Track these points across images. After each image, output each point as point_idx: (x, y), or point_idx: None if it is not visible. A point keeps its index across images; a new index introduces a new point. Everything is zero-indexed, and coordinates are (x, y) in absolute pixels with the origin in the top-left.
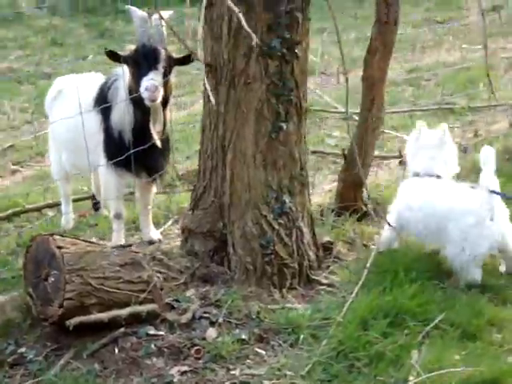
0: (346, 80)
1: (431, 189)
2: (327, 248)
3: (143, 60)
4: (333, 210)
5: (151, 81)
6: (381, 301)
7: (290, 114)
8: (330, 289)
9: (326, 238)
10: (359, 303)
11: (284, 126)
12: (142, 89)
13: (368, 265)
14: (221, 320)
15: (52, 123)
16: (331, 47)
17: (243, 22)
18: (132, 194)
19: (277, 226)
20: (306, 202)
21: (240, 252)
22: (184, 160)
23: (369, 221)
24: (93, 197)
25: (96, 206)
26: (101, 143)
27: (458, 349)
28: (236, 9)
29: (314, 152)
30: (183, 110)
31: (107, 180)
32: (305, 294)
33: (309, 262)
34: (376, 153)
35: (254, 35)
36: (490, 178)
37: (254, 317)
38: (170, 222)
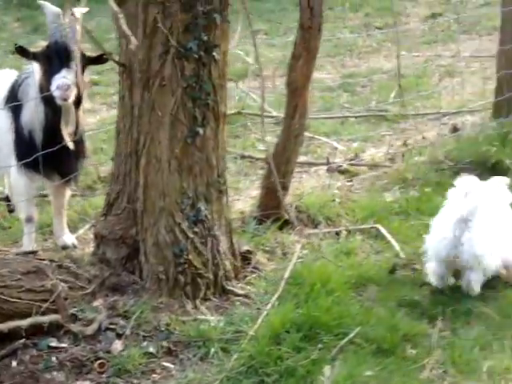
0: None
1: None
2: (246, 257)
3: (55, 57)
4: (255, 218)
5: (63, 79)
6: (295, 314)
7: (207, 118)
8: (245, 300)
9: (245, 247)
10: (273, 316)
11: (201, 130)
12: (53, 87)
13: (286, 276)
14: (128, 332)
15: None
16: (268, 50)
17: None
18: (45, 196)
19: (191, 235)
20: (223, 209)
21: (152, 260)
22: (108, 161)
23: (290, 229)
24: (6, 198)
25: (10, 208)
26: (11, 143)
27: (372, 364)
28: (117, 9)
29: (242, 157)
30: (114, 109)
31: (17, 182)
32: (219, 305)
33: (224, 272)
34: (305, 159)
35: (133, 39)
36: None
37: (163, 329)
38: (86, 227)
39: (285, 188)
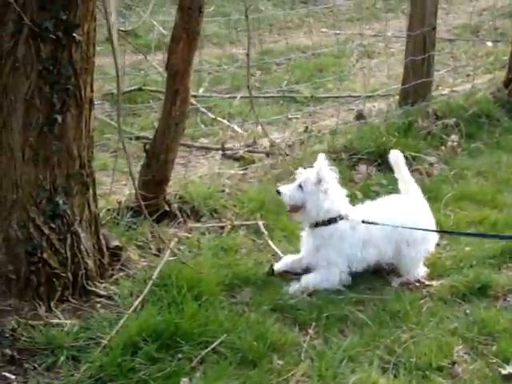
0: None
1: None
2: (115, 254)
3: None
4: (131, 209)
5: None
6: (155, 320)
7: (68, 105)
8: (108, 302)
9: (115, 243)
10: (131, 322)
11: (59, 118)
12: None
13: (154, 276)
14: None
15: None
16: None
17: None
18: None
19: (47, 231)
20: (86, 203)
21: (2, 258)
22: None
23: (171, 221)
24: None
25: None
26: None
27: (234, 376)
28: None
29: (137, 138)
30: None
31: None
32: (77, 308)
33: (86, 271)
34: (205, 142)
35: None
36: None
37: (7, 335)
38: None
39: (165, 178)
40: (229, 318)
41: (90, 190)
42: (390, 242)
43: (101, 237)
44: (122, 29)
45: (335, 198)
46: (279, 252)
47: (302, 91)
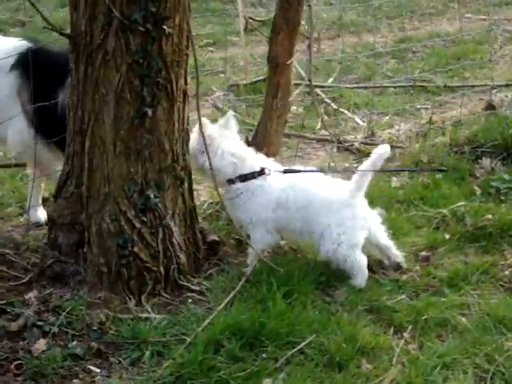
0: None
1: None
2: (212, 248)
3: None
4: None
5: None
6: (241, 318)
7: (158, 98)
8: (199, 297)
9: (213, 237)
10: (219, 319)
11: (149, 111)
12: None
13: (248, 272)
14: (56, 330)
15: None
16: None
17: None
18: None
19: (138, 225)
20: (179, 197)
21: (95, 251)
22: None
23: None
24: None
25: None
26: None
27: (319, 379)
28: None
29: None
30: None
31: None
32: (168, 303)
33: (178, 266)
34: (326, 134)
35: None
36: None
37: (95, 328)
38: None
39: None
40: (319, 318)
41: (185, 184)
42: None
43: (197, 231)
44: (257, 18)
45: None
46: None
47: (436, 80)
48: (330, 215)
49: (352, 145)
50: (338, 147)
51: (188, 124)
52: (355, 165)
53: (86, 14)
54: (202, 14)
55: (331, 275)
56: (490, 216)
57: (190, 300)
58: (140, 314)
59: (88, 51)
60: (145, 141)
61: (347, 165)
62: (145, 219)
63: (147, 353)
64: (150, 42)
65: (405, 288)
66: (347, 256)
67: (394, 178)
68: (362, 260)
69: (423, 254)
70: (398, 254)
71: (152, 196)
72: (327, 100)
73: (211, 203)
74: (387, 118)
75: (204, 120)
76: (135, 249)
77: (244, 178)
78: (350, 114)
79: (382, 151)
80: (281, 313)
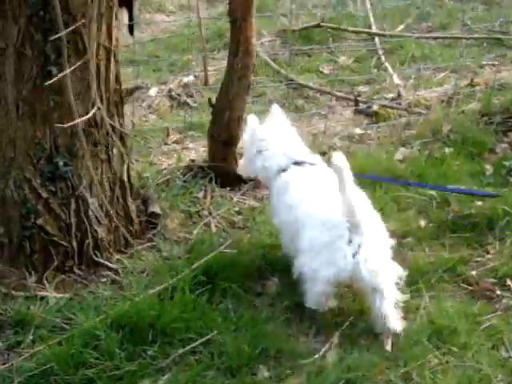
0: None
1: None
2: (152, 221)
3: None
4: (202, 169)
5: None
6: (136, 307)
7: (66, 56)
8: (116, 277)
9: (153, 209)
10: (113, 307)
11: (54, 70)
12: None
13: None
14: None
15: None
16: None
17: None
18: None
19: (45, 194)
20: (100, 165)
21: None
22: None
23: (240, 187)
24: None
25: None
26: None
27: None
28: None
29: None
30: None
31: None
32: (79, 281)
33: (96, 240)
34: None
35: None
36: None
37: None
38: None
39: (231, 138)
40: (228, 313)
41: (113, 150)
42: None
43: (129, 202)
44: None
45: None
46: None
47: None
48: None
49: (370, 106)
50: (356, 109)
51: (119, 83)
52: (369, 131)
53: None
54: None
55: (274, 262)
56: (480, 203)
57: (103, 279)
58: (38, 292)
59: None
60: (52, 102)
61: (357, 129)
62: (53, 189)
63: (29, 337)
64: None
65: None
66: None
67: (402, 149)
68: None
69: None
70: (391, 328)
71: (61, 163)
72: (380, 51)
73: (163, 170)
74: (443, 75)
75: (252, 119)
76: (40, 220)
77: (298, 163)
78: (391, 71)
79: (334, 166)
80: (184, 304)
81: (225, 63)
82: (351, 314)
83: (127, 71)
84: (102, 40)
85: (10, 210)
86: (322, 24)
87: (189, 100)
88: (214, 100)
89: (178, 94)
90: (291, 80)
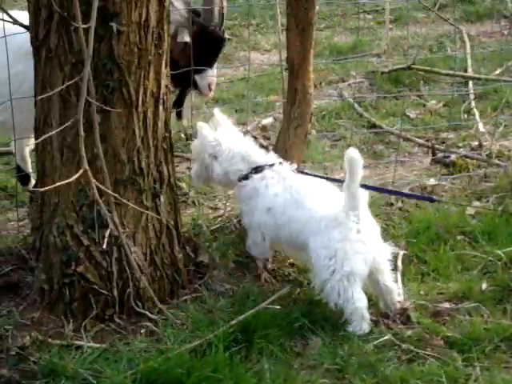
0: None
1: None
2: (199, 271)
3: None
4: None
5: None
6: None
7: (111, 103)
8: (155, 329)
9: (201, 258)
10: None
11: (98, 117)
12: (203, 83)
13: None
14: None
15: None
16: None
17: None
18: None
19: (86, 241)
20: (145, 213)
21: (40, 265)
22: None
23: None
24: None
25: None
26: None
27: None
28: None
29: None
30: None
31: None
32: (118, 331)
33: (137, 290)
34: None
35: None
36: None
37: (13, 353)
38: None
39: None
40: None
41: (161, 198)
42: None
43: (176, 251)
44: None
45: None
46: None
47: None
48: (316, 234)
49: (448, 156)
50: (434, 157)
51: (168, 131)
52: (443, 182)
53: (32, 4)
54: None
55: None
56: None
57: (142, 330)
58: (75, 341)
59: (35, 46)
60: (95, 149)
61: (431, 180)
62: (95, 236)
63: None
64: (97, 40)
65: (399, 346)
66: (339, 289)
67: (476, 203)
68: (362, 299)
69: (444, 305)
70: (395, 302)
71: (104, 211)
72: (471, 96)
73: (220, 217)
74: None
75: (201, 125)
76: (80, 268)
77: (257, 169)
78: (477, 117)
79: (348, 157)
80: (217, 362)
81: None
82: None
83: (210, 111)
84: (149, 87)
85: (52, 256)
86: (412, 66)
87: (265, 143)
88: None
89: (255, 137)
90: (373, 124)
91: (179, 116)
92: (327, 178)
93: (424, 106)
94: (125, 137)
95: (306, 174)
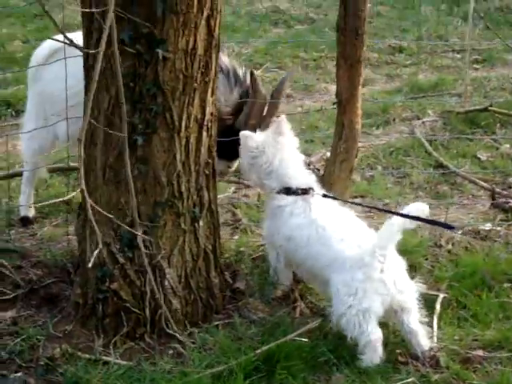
0: None
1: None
2: (233, 297)
3: None
4: None
5: None
6: None
7: (153, 126)
8: (182, 351)
9: (238, 284)
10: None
11: (140, 139)
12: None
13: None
14: (6, 356)
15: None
16: None
17: None
18: None
19: (122, 260)
20: (182, 236)
21: (77, 279)
22: None
23: None
24: None
25: None
26: None
27: None
28: None
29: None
30: None
31: None
32: (147, 350)
33: (169, 311)
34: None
35: None
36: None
37: (42, 363)
38: None
39: None
40: None
41: (200, 223)
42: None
43: (212, 276)
44: None
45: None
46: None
47: None
48: (340, 273)
49: (508, 202)
50: (493, 201)
51: (211, 157)
52: (498, 228)
53: (85, 27)
54: None
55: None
56: None
57: (170, 351)
58: (103, 357)
59: (86, 68)
60: (137, 171)
61: (488, 224)
62: (130, 255)
63: None
64: (143, 65)
65: None
66: (356, 323)
67: None
68: (375, 333)
69: (477, 353)
70: (423, 344)
71: (140, 232)
72: None
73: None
74: None
75: (245, 133)
76: (114, 285)
77: (288, 190)
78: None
79: (414, 208)
80: None
81: (379, 140)
82: None
83: None
84: (193, 113)
85: (88, 272)
86: (489, 108)
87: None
88: None
89: (317, 168)
90: (440, 164)
91: None
92: (371, 207)
93: (497, 149)
94: (166, 160)
95: (345, 201)
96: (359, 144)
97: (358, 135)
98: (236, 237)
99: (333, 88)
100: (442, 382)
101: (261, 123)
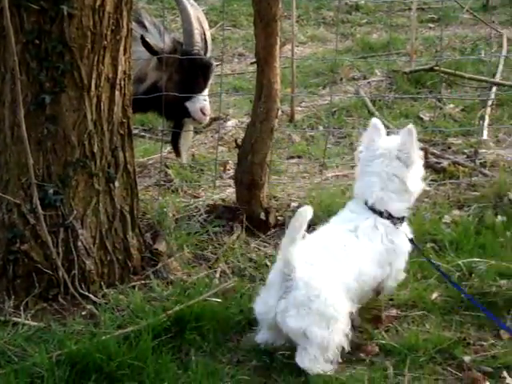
0: None
1: None
2: (152, 258)
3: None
4: (229, 210)
5: (206, 103)
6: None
7: (61, 85)
8: (96, 312)
9: (157, 246)
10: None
11: (48, 98)
12: (194, 107)
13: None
14: None
15: None
16: None
17: None
18: None
19: (33, 220)
20: (95, 197)
21: None
22: None
23: (265, 233)
24: None
25: None
26: None
27: None
28: None
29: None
30: None
31: None
32: (59, 311)
33: (83, 272)
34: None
35: None
36: None
37: None
38: None
39: (253, 182)
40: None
41: (115, 184)
42: None
43: (129, 236)
44: None
45: None
46: None
47: None
48: None
49: (440, 162)
50: (426, 162)
51: (126, 117)
52: (428, 188)
53: None
54: None
55: None
56: (504, 281)
57: (84, 312)
58: (13, 318)
59: None
60: (46, 130)
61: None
62: (41, 216)
63: None
64: (48, 22)
65: None
66: None
67: (455, 212)
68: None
69: (390, 312)
70: None
71: (51, 191)
72: (489, 102)
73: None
74: None
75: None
76: (25, 246)
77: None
78: (486, 123)
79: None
80: (142, 351)
81: (323, 101)
82: None
83: (228, 100)
84: (104, 72)
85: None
86: (435, 68)
87: None
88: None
89: None
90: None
91: (177, 153)
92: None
93: (441, 109)
94: (76, 119)
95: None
96: (303, 104)
97: (277, 95)
98: (165, 198)
99: (286, 47)
100: (352, 342)
101: (204, 32)
